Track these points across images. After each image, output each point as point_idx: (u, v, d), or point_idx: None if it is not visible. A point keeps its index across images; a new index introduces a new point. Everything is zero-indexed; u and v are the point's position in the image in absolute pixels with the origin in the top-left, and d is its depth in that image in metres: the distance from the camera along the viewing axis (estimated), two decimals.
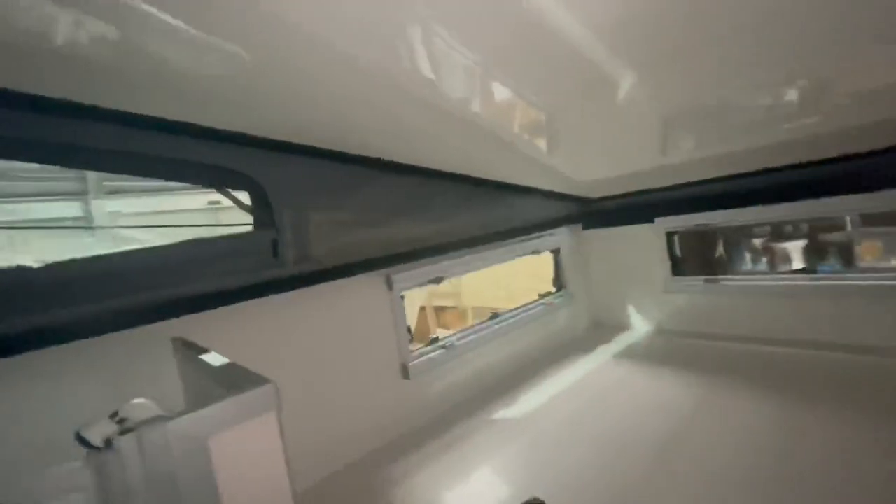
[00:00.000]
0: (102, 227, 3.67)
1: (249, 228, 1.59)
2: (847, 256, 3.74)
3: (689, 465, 1.48)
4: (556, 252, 2.86)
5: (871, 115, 1.69)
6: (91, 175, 3.66)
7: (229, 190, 1.57)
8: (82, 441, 0.92)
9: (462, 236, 2.21)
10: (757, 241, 4.58)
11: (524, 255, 2.64)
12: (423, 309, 4.96)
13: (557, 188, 2.72)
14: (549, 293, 2.85)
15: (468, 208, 2.25)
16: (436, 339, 2.19)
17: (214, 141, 1.45)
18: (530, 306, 2.70)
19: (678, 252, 2.75)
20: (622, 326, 2.91)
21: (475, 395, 2.22)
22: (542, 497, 1.08)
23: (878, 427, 1.51)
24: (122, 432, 0.63)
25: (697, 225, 2.56)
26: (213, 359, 1.02)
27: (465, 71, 1.40)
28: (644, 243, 2.76)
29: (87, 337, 1.29)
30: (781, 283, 2.38)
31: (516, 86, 1.60)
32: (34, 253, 3.57)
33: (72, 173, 3.73)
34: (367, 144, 1.76)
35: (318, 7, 0.97)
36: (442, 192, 2.13)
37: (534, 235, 2.66)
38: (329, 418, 1.77)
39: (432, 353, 2.11)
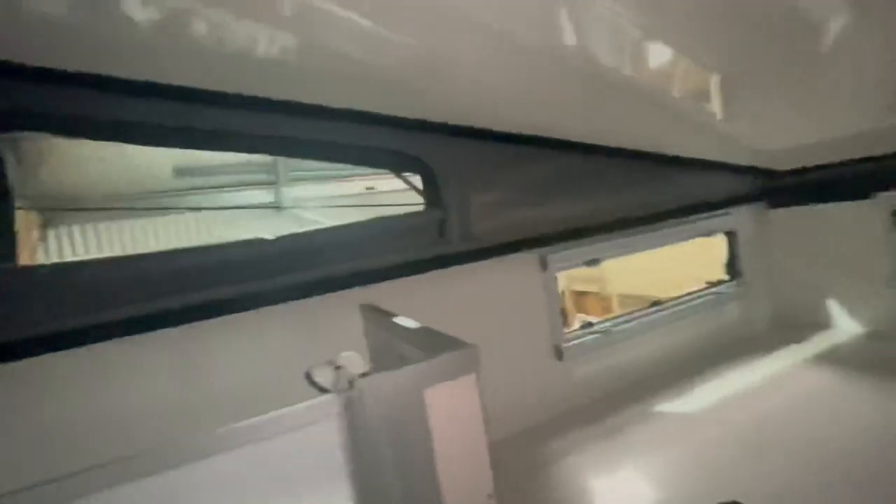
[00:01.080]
0: (289, 208, 4.36)
1: (416, 209, 1.72)
2: None
3: None
4: (731, 234, 2.50)
5: None
6: (280, 166, 4.38)
7: (405, 174, 1.72)
8: (311, 380, 1.13)
9: (622, 216, 2.08)
10: None
11: (694, 237, 2.36)
12: (561, 293, 4.84)
13: (735, 160, 2.37)
14: (720, 281, 2.52)
15: (630, 185, 2.09)
16: (590, 324, 2.11)
17: (392, 128, 1.59)
18: (698, 295, 2.42)
19: None
20: (818, 325, 2.43)
21: (632, 385, 2.09)
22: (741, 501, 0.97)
23: None
24: (362, 375, 0.73)
25: None
26: (407, 322, 1.13)
27: (630, 35, 1.29)
28: (856, 225, 2.25)
29: (295, 300, 1.55)
30: None
31: (690, 44, 1.42)
32: (240, 230, 4.45)
33: (265, 165, 4.51)
34: (527, 122, 1.75)
35: None
36: (601, 168, 2.01)
37: (706, 215, 2.37)
38: (484, 392, 1.84)
39: (586, 338, 2.04)
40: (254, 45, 1.19)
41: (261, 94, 1.42)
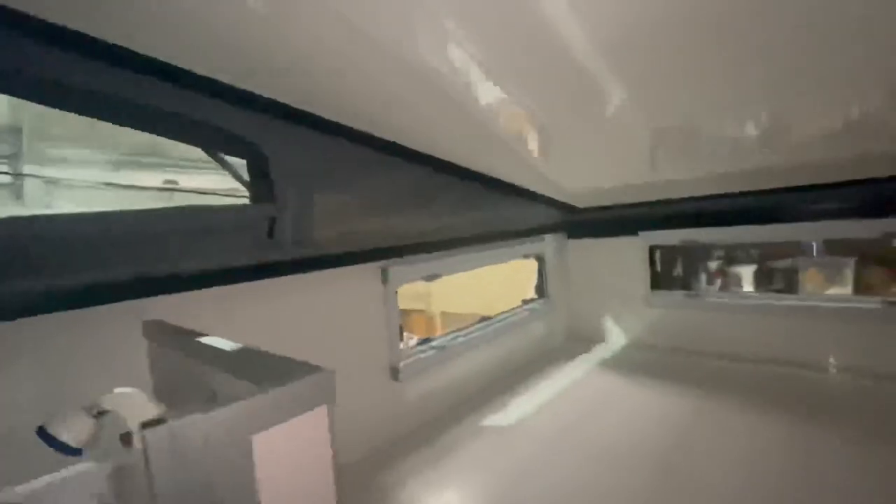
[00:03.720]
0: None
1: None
2: (791, 282, 4.04)
3: (682, 473, 1.47)
4: (540, 259, 2.83)
5: (833, 150, 1.81)
6: (25, 132, 3.20)
7: (222, 156, 1.38)
8: (47, 437, 0.73)
9: (462, 234, 2.12)
10: (712, 265, 4.84)
11: (515, 258, 2.59)
12: None
13: (550, 194, 2.71)
14: (532, 299, 2.81)
15: (468, 206, 2.16)
16: (428, 340, 2.07)
17: (216, 98, 1.26)
18: (515, 311, 2.64)
19: (658, 267, 2.81)
20: (599, 338, 2.92)
21: (462, 401, 2.11)
22: None
23: (830, 433, 1.62)
24: (146, 425, 0.47)
25: (683, 241, 2.62)
26: (220, 343, 0.85)
27: (470, 65, 1.35)
28: (626, 256, 2.80)
29: (34, 314, 1.06)
30: (764, 302, 2.48)
31: (515, 88, 1.57)
32: None
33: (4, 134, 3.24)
34: (378, 124, 1.63)
35: None
36: (446, 186, 2.03)
37: (525, 239, 2.62)
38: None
39: (423, 354, 1.99)
40: None
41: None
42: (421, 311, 4.67)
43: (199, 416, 0.50)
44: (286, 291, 1.51)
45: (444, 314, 4.47)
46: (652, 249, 2.77)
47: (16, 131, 3.21)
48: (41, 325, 1.06)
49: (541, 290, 2.86)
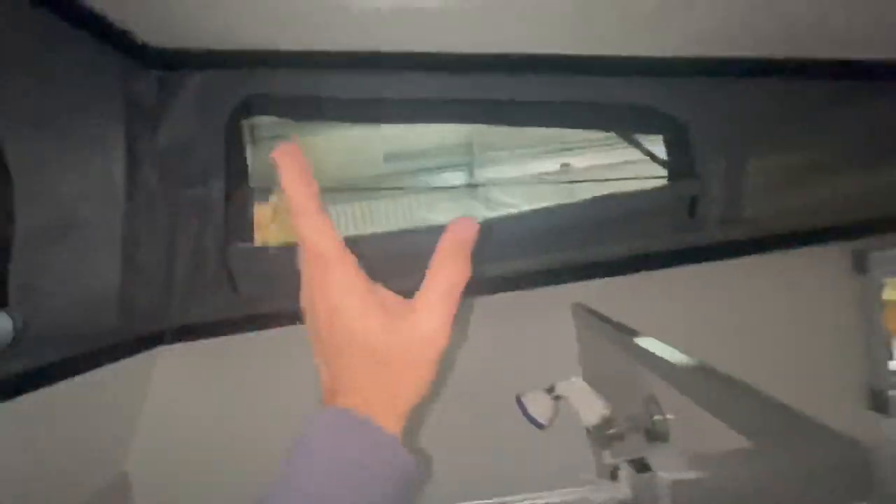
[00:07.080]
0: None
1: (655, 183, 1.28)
2: None
3: None
4: None
5: None
6: (475, 147, 4.35)
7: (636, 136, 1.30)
8: (523, 409, 0.87)
9: None
10: None
11: None
12: None
13: None
14: None
15: None
16: None
17: (620, 75, 1.18)
18: None
19: None
20: None
21: None
22: None
23: None
24: (639, 469, 0.42)
25: None
26: (666, 352, 0.76)
27: None
28: None
29: (496, 293, 1.31)
30: None
31: None
32: (437, 213, 4.62)
33: (461, 147, 4.54)
34: (838, 39, 1.11)
35: None
36: None
37: None
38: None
39: None
40: None
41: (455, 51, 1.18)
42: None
43: (713, 475, 0.41)
44: (708, 281, 1.28)
45: None
46: None
47: (469, 144, 4.41)
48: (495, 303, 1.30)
49: None
